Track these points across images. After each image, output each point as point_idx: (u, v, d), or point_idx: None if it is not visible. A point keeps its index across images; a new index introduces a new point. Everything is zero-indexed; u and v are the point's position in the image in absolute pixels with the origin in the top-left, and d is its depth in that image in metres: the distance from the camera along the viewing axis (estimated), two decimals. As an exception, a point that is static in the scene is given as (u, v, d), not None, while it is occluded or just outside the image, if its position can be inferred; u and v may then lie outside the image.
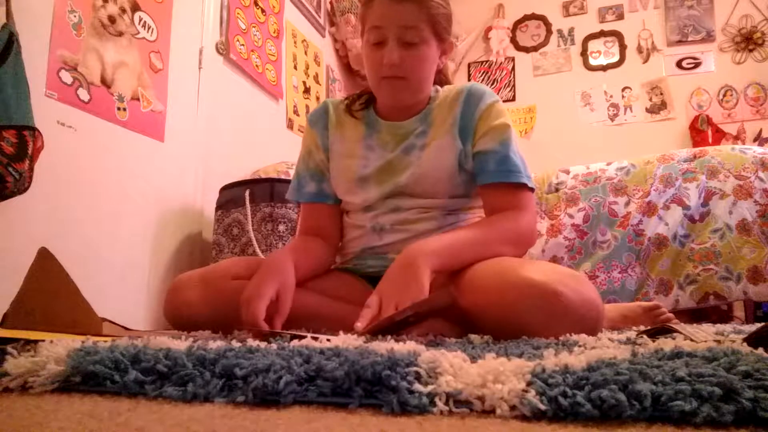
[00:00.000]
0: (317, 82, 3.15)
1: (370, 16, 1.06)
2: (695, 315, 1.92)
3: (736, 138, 3.52)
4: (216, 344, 0.59)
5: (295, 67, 2.90)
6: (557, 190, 2.16)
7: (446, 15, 1.09)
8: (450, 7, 1.11)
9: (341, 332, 0.78)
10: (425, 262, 0.89)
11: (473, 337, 0.80)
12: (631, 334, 0.91)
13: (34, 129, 1.29)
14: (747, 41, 3.65)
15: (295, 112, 2.86)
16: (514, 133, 1.10)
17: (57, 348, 0.53)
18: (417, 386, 0.40)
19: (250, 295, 0.88)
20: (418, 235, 1.09)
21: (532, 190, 1.08)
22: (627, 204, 2.03)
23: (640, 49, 3.88)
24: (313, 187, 1.20)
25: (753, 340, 0.59)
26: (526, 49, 4.15)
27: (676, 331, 0.76)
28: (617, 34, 3.94)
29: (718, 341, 0.63)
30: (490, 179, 1.06)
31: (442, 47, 1.12)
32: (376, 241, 1.13)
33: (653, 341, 0.65)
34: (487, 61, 4.21)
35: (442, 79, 1.22)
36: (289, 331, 0.80)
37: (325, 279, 1.14)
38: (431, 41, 1.07)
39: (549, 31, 4.11)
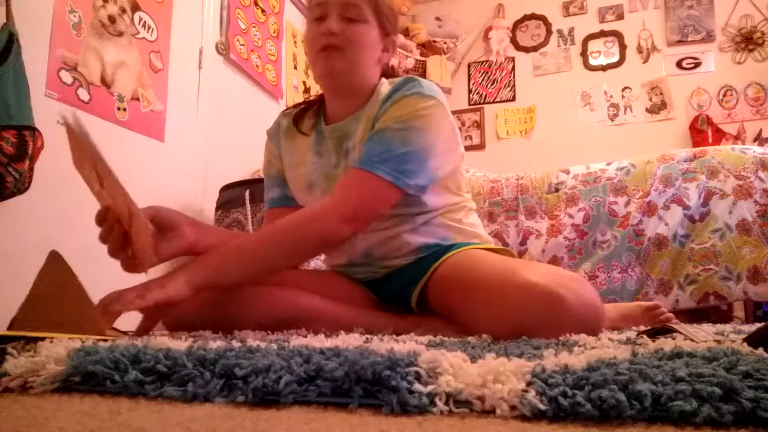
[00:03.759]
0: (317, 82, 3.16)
1: None
2: (695, 315, 1.92)
3: (736, 138, 3.52)
4: (216, 344, 0.59)
5: (295, 67, 2.90)
6: (557, 190, 2.16)
7: (392, 10, 1.09)
8: (395, 7, 1.12)
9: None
10: (184, 273, 0.85)
11: (473, 337, 0.79)
12: (631, 334, 0.91)
13: (34, 129, 1.29)
14: (747, 41, 3.65)
15: (295, 112, 2.86)
16: (411, 125, 0.99)
17: (57, 348, 0.53)
18: (417, 386, 0.40)
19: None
20: (392, 237, 1.08)
21: (400, 189, 0.97)
22: (627, 204, 2.03)
23: (640, 49, 3.88)
24: (276, 192, 1.20)
25: (753, 340, 0.59)
26: (526, 49, 4.15)
27: (676, 331, 0.76)
28: (617, 34, 3.94)
29: (718, 341, 0.63)
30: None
31: (384, 41, 1.10)
32: (350, 249, 1.11)
33: (653, 341, 0.65)
34: (487, 61, 4.21)
35: (389, 75, 1.18)
36: None
37: (323, 280, 1.14)
38: (373, 24, 1.06)
39: (549, 31, 4.11)
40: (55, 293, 0.78)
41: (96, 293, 1.70)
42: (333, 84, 1.10)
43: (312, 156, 1.14)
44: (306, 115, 1.19)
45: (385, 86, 1.11)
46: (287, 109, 1.27)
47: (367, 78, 1.10)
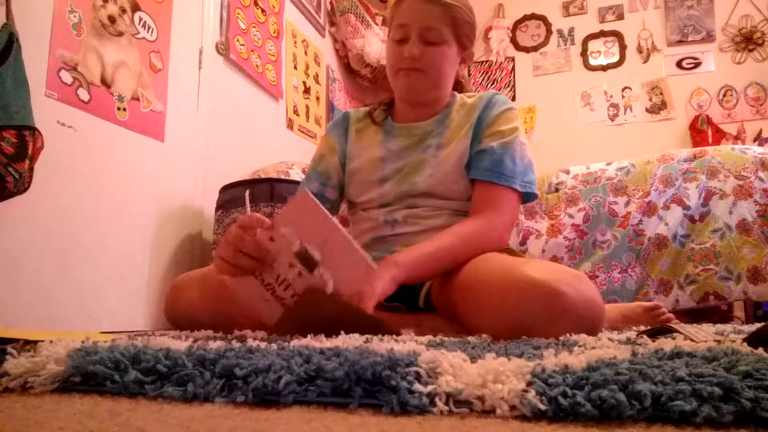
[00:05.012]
0: (317, 82, 3.15)
1: (397, 14, 1.13)
2: (695, 315, 1.92)
3: (736, 138, 3.52)
4: (216, 344, 0.59)
5: (295, 67, 2.90)
6: (557, 190, 2.16)
7: (470, 24, 1.15)
8: (474, 18, 1.16)
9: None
10: (389, 272, 0.91)
11: (473, 337, 0.79)
12: (631, 334, 0.91)
13: (34, 129, 1.29)
14: (747, 41, 3.65)
15: (295, 112, 2.86)
16: (520, 140, 1.12)
17: (57, 348, 0.53)
18: (417, 386, 0.40)
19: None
20: (429, 229, 1.11)
21: (526, 197, 1.11)
22: (627, 204, 2.03)
23: (640, 49, 3.88)
24: (315, 186, 1.23)
25: (753, 340, 0.59)
26: (526, 49, 4.15)
27: (676, 331, 0.76)
28: (617, 34, 3.94)
29: (718, 341, 0.63)
30: (479, 176, 1.09)
31: (462, 54, 1.17)
32: (387, 231, 1.15)
33: (653, 341, 0.65)
34: (487, 61, 4.22)
35: (461, 88, 1.26)
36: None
37: None
38: (452, 44, 1.12)
39: (549, 31, 4.11)
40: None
41: (95, 292, 1.69)
42: (413, 99, 1.18)
43: (381, 152, 1.19)
44: (375, 113, 1.26)
45: (462, 95, 1.21)
46: (349, 110, 1.34)
47: (445, 90, 1.19)
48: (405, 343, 0.57)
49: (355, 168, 1.22)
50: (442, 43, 1.10)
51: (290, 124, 2.80)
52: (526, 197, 1.13)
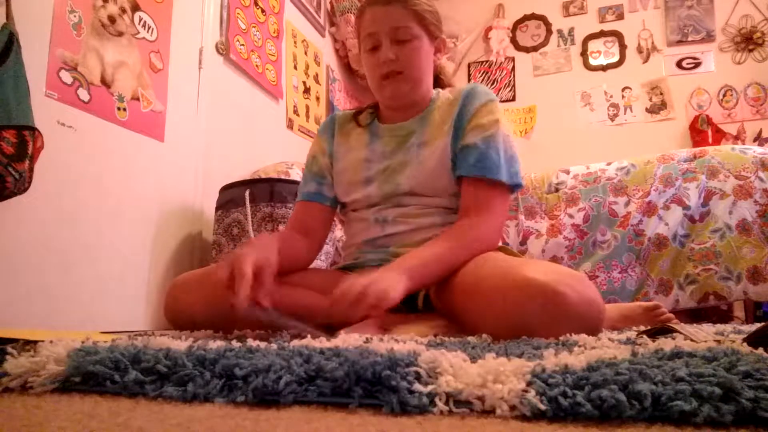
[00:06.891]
0: (317, 82, 3.15)
1: (363, 25, 1.14)
2: (695, 315, 1.92)
3: (736, 138, 3.52)
4: (216, 344, 0.59)
5: (295, 67, 2.90)
6: (557, 190, 2.16)
7: (433, 12, 1.15)
8: (434, 5, 1.17)
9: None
10: (400, 279, 0.89)
11: (473, 337, 0.79)
12: (631, 334, 0.91)
13: (34, 129, 1.29)
14: (747, 41, 3.65)
15: (295, 112, 2.86)
16: (503, 131, 1.11)
17: (57, 348, 0.53)
18: (417, 386, 0.40)
19: (233, 259, 0.86)
20: (420, 228, 1.12)
21: (513, 188, 1.10)
22: (627, 204, 2.03)
23: (640, 49, 3.88)
24: (312, 187, 1.24)
25: (753, 340, 0.59)
26: (526, 49, 4.15)
27: (676, 331, 0.76)
28: (617, 34, 3.94)
29: (718, 341, 0.63)
30: (466, 172, 1.09)
31: (434, 44, 1.18)
32: (379, 232, 1.16)
33: (653, 341, 0.65)
34: (487, 61, 4.21)
35: (442, 81, 1.26)
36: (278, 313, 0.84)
37: (329, 279, 1.14)
38: (422, 37, 1.13)
39: (549, 31, 4.11)
40: None
41: (95, 292, 1.69)
42: (399, 104, 1.19)
43: (366, 153, 1.20)
44: (361, 116, 1.27)
45: (444, 91, 1.21)
46: (336, 112, 1.36)
47: (428, 85, 1.20)
48: (405, 343, 0.57)
49: (340, 169, 1.23)
50: (414, 38, 1.11)
51: (290, 124, 2.80)
52: (513, 188, 1.12)
